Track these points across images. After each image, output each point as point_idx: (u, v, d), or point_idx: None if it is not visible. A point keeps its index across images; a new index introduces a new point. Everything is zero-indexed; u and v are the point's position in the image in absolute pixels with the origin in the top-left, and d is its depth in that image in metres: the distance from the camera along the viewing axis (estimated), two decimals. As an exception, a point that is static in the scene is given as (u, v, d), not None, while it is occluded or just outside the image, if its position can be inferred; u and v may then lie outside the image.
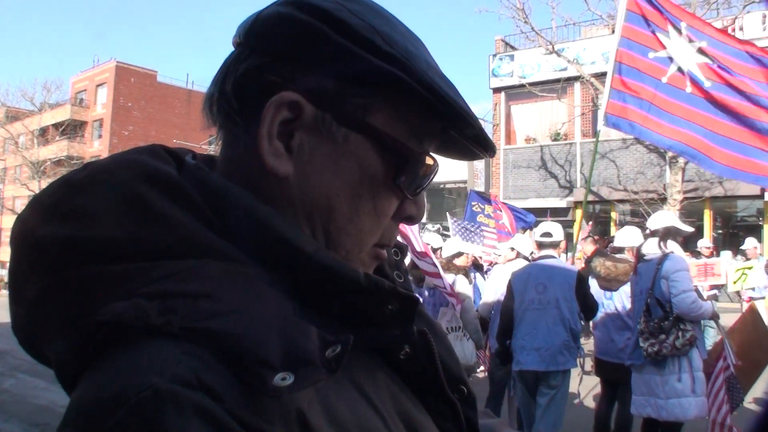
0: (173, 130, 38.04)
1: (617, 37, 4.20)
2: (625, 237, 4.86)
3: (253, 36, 0.56)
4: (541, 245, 4.56)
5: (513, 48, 20.06)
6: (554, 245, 4.49)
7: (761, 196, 15.20)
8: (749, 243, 9.72)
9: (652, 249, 4.08)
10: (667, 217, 4.39)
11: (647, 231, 4.40)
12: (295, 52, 0.54)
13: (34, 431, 5.87)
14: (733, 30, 15.58)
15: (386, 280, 0.55)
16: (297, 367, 0.43)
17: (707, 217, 16.42)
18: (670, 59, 4.08)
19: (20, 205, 38.62)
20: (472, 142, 0.61)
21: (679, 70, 4.05)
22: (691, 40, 4.06)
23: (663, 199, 14.83)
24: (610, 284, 4.58)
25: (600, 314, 4.69)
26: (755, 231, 14.98)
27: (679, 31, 4.04)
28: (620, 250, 4.82)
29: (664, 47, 4.10)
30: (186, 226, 0.50)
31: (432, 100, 0.54)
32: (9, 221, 40.30)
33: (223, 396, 0.40)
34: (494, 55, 20.13)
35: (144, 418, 0.39)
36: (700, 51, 4.03)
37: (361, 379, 0.53)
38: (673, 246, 4.10)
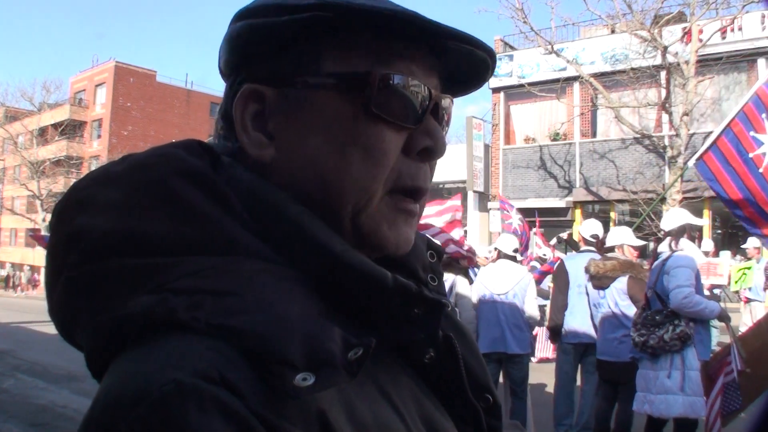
0: (172, 130, 38.03)
1: (738, 111, 5.02)
2: (615, 236, 4.88)
3: (222, 68, 0.62)
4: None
5: (512, 48, 20.07)
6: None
7: (760, 196, 15.20)
8: (750, 242, 9.72)
9: (666, 248, 4.15)
10: (679, 215, 4.51)
11: (661, 233, 4.54)
12: (241, 57, 0.59)
13: (33, 431, 5.86)
14: (732, 30, 15.61)
15: (413, 283, 0.54)
16: (318, 369, 0.43)
17: (706, 217, 16.43)
18: (762, 143, 4.87)
19: (19, 206, 38.65)
20: (440, 38, 0.56)
21: (764, 153, 4.84)
22: None
23: (662, 200, 14.85)
24: (600, 282, 4.60)
25: (597, 315, 4.71)
26: (754, 231, 14.97)
27: None
28: (611, 249, 4.84)
29: (765, 131, 4.89)
30: (218, 222, 0.51)
31: (365, 19, 0.54)
32: (8, 221, 40.31)
33: (245, 393, 0.41)
34: (493, 55, 20.07)
35: (166, 413, 0.39)
36: None
37: (384, 381, 0.53)
38: (685, 244, 4.16)
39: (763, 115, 4.92)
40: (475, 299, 5.20)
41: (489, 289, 5.10)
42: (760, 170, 4.84)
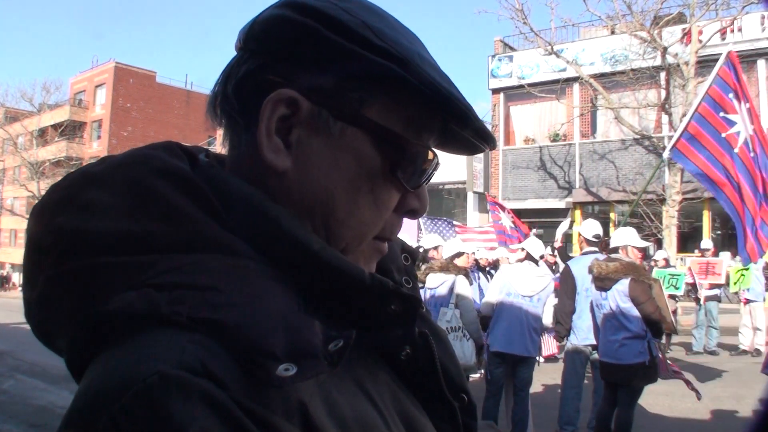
0: (172, 131, 38.03)
1: (704, 95, 5.16)
2: (620, 237, 4.88)
3: (252, 39, 0.58)
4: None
5: (512, 49, 20.08)
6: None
7: (760, 197, 15.21)
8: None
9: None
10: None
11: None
12: (291, 52, 0.56)
13: (32, 432, 5.86)
14: (732, 31, 15.62)
15: (390, 281, 0.56)
16: (299, 359, 0.44)
17: (706, 217, 16.43)
18: (734, 122, 5.04)
19: (19, 206, 38.61)
20: (472, 134, 0.61)
21: (738, 132, 5.01)
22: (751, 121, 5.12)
23: (662, 200, 14.85)
24: (603, 283, 4.60)
25: (598, 316, 4.72)
26: (754, 232, 14.98)
27: (746, 103, 5.17)
28: (615, 250, 4.84)
29: (735, 112, 5.08)
30: (196, 220, 0.51)
31: (427, 93, 0.56)
32: (8, 222, 40.30)
33: (228, 384, 0.41)
34: (493, 56, 20.15)
35: (150, 403, 0.39)
36: (755, 131, 5.09)
37: (362, 377, 0.55)
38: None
39: (730, 95, 5.15)
40: (495, 297, 5.22)
41: (515, 289, 5.11)
42: (735, 150, 5.00)
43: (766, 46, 15.82)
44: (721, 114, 5.06)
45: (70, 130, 38.62)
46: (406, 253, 0.72)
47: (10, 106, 38.88)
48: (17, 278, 39.79)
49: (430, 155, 0.61)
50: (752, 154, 4.99)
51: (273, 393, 0.43)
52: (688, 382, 4.74)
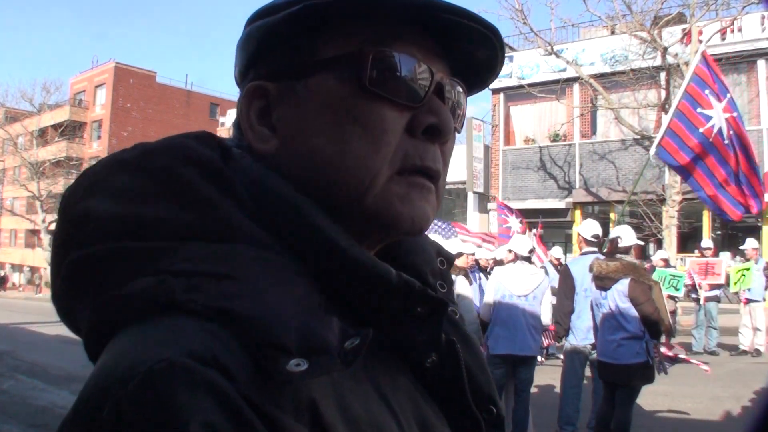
0: (172, 131, 36.54)
1: (682, 92, 5.55)
2: (630, 236, 4.88)
3: (236, 79, 0.64)
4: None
5: (512, 49, 20.07)
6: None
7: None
8: (749, 243, 9.73)
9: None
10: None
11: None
12: (249, 61, 0.61)
13: (32, 432, 5.86)
14: (732, 31, 15.62)
15: (417, 282, 0.54)
16: (312, 355, 0.43)
17: (706, 218, 16.43)
18: (710, 117, 5.41)
19: (19, 206, 38.60)
20: (444, 14, 0.54)
21: (713, 126, 5.40)
22: (726, 110, 5.48)
23: (662, 200, 14.85)
24: (603, 282, 4.60)
25: (597, 315, 4.72)
26: (754, 232, 14.99)
27: (721, 99, 5.47)
28: (627, 249, 4.83)
29: (711, 107, 5.43)
30: (223, 209, 0.51)
31: (352, 4, 0.54)
32: (8, 222, 40.29)
33: (236, 376, 0.41)
34: None
35: (155, 391, 0.39)
36: (727, 121, 5.46)
37: (381, 381, 0.53)
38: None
39: (706, 91, 5.48)
40: (491, 299, 5.22)
41: (509, 290, 5.10)
42: (710, 140, 5.44)
43: (766, 46, 15.81)
44: (699, 110, 5.43)
45: (70, 130, 38.61)
46: (441, 257, 0.70)
47: (10, 106, 38.84)
48: (17, 278, 39.78)
49: (407, 57, 0.56)
50: (726, 142, 5.43)
51: (283, 389, 0.42)
52: (689, 361, 4.79)
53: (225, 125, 31.45)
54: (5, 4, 76.55)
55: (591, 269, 4.71)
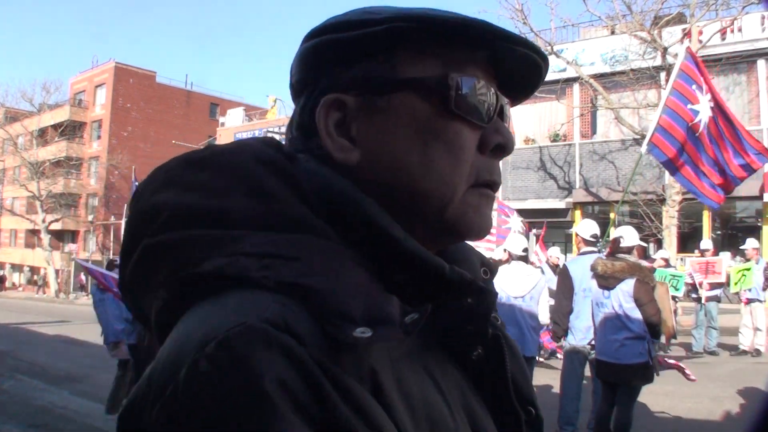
0: (172, 131, 38.04)
1: (670, 89, 5.67)
2: (632, 236, 4.87)
3: (293, 86, 0.67)
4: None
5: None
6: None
7: (760, 197, 15.23)
8: (749, 243, 9.73)
9: None
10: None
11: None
12: (318, 72, 0.63)
13: (32, 432, 5.86)
14: (732, 31, 15.62)
15: (468, 273, 0.58)
16: (375, 324, 0.47)
17: (706, 218, 16.44)
18: (698, 112, 5.57)
19: (19, 206, 38.60)
20: (502, 43, 0.61)
21: (700, 120, 5.58)
22: (710, 100, 5.70)
23: (662, 201, 14.85)
24: (607, 282, 4.59)
25: (599, 314, 4.71)
26: (754, 232, 15.00)
27: (706, 92, 5.67)
28: (629, 250, 4.82)
29: (698, 102, 5.59)
30: (289, 203, 0.55)
31: (428, 28, 0.59)
32: (8, 222, 40.28)
33: (307, 342, 0.44)
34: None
35: (232, 351, 0.42)
36: (712, 108, 5.66)
37: (432, 366, 0.56)
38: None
39: (693, 87, 5.64)
40: None
41: (505, 291, 5.09)
42: (696, 135, 5.61)
43: (766, 46, 15.82)
44: (689, 106, 5.59)
45: (70, 130, 38.62)
46: (485, 267, 0.72)
47: (10, 106, 38.85)
48: (17, 278, 39.79)
49: (483, 84, 0.61)
50: (706, 131, 5.70)
51: (348, 356, 0.46)
52: (681, 368, 4.79)
53: (225, 125, 31.40)
54: (5, 4, 76.51)
55: (594, 268, 4.70)
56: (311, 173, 0.59)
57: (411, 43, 0.60)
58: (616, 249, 4.90)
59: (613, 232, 5.04)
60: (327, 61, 0.62)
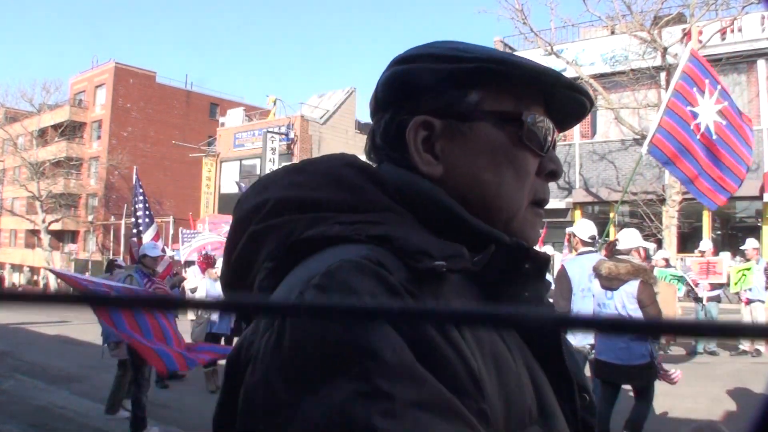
0: (172, 131, 38.03)
1: (671, 90, 5.72)
2: (629, 239, 4.88)
3: (379, 101, 0.78)
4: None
5: (512, 49, 20.07)
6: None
7: (760, 197, 15.23)
8: (749, 244, 9.72)
9: None
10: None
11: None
12: (408, 93, 0.74)
13: (32, 432, 5.86)
14: (732, 31, 15.62)
15: (524, 242, 0.70)
16: (449, 259, 0.59)
17: (706, 218, 16.44)
18: (698, 114, 5.59)
19: (19, 206, 38.59)
20: (566, 88, 0.75)
21: (700, 122, 5.58)
22: (718, 102, 5.68)
23: (662, 201, 14.85)
24: (611, 283, 4.61)
25: (601, 314, 4.70)
26: (754, 232, 15.00)
27: (711, 93, 5.67)
28: (626, 252, 4.83)
29: (697, 104, 5.62)
30: (371, 192, 0.68)
31: (508, 71, 0.71)
32: (8, 222, 40.30)
33: (394, 273, 0.55)
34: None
35: (335, 277, 0.54)
36: (720, 112, 5.64)
37: None
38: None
39: (694, 89, 5.68)
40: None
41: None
42: (698, 136, 5.64)
43: (766, 46, 15.82)
44: (689, 108, 5.63)
45: (70, 130, 38.60)
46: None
47: (10, 106, 38.84)
48: (17, 279, 39.77)
49: (545, 121, 0.74)
50: (714, 137, 5.66)
51: (427, 288, 0.57)
52: (666, 376, 4.82)
53: (225, 125, 31.35)
54: (5, 4, 76.52)
55: (598, 270, 4.71)
56: (395, 174, 0.71)
57: (492, 81, 0.72)
58: (611, 251, 4.92)
59: (619, 234, 5.03)
60: (416, 87, 0.73)
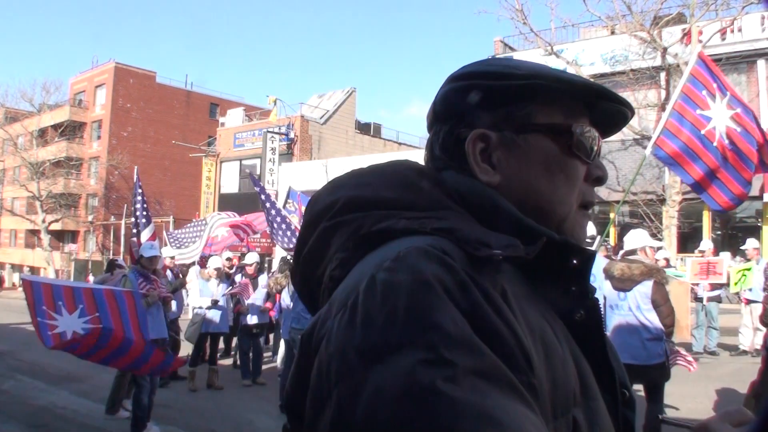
0: (172, 131, 38.03)
1: (678, 93, 5.68)
2: (636, 239, 4.87)
3: (438, 114, 0.84)
4: None
5: (512, 49, 20.07)
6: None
7: (760, 197, 15.22)
8: (749, 244, 9.72)
9: None
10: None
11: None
12: (465, 107, 0.80)
13: (32, 432, 5.86)
14: (732, 31, 15.61)
15: (572, 239, 0.77)
16: (505, 248, 0.65)
17: (706, 218, 16.43)
18: (710, 118, 5.50)
19: (19, 206, 38.59)
20: (604, 101, 0.81)
21: (714, 128, 5.49)
22: (729, 108, 5.59)
23: (662, 201, 14.85)
24: (624, 284, 4.59)
25: (612, 316, 4.69)
26: (754, 232, 15.00)
27: (722, 98, 5.59)
28: (632, 252, 4.81)
29: (709, 108, 5.54)
30: (433, 193, 0.74)
31: (559, 86, 0.78)
32: (8, 222, 40.29)
33: (456, 260, 0.61)
34: (493, 57, 20.13)
35: (404, 261, 0.60)
36: (733, 117, 5.54)
37: (546, 315, 0.70)
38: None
39: (704, 92, 5.58)
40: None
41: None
42: (714, 144, 5.47)
43: (766, 46, 15.81)
44: (698, 112, 5.52)
45: (70, 130, 38.61)
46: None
47: (10, 106, 38.82)
48: (17, 279, 39.76)
49: (592, 131, 0.81)
50: (727, 141, 5.53)
51: (486, 276, 0.62)
52: (685, 360, 4.84)
53: (225, 125, 31.34)
54: (5, 3, 76.51)
55: (610, 271, 4.70)
56: (456, 179, 0.78)
57: (544, 96, 0.78)
58: (626, 253, 4.89)
59: (627, 234, 5.02)
60: (473, 102, 0.79)
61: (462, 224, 0.68)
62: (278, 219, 8.09)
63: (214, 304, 8.01)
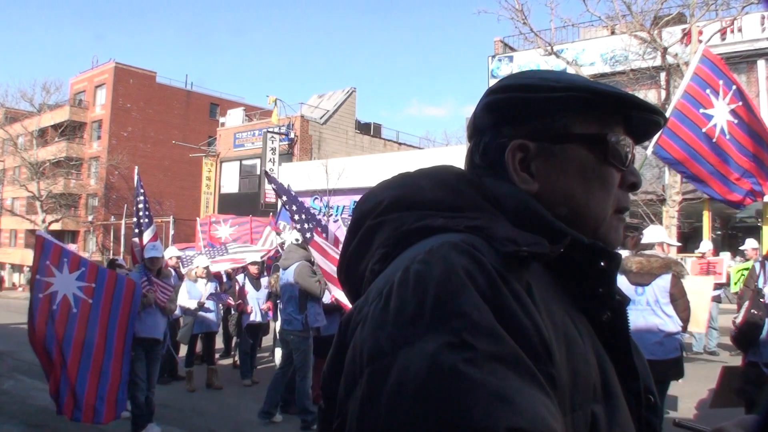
0: (172, 131, 38.02)
1: (681, 92, 5.67)
2: (654, 234, 4.85)
3: (477, 126, 0.89)
4: None
5: (512, 49, 20.07)
6: None
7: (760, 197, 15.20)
8: (749, 244, 9.72)
9: None
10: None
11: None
12: (506, 118, 0.84)
13: (32, 432, 5.85)
14: (732, 31, 15.61)
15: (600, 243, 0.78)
16: (531, 246, 0.68)
17: (706, 218, 16.43)
18: (712, 116, 5.49)
19: (19, 206, 38.57)
20: (643, 109, 0.84)
21: (715, 125, 5.50)
22: (732, 101, 5.57)
23: (662, 201, 14.84)
24: (642, 279, 4.55)
25: (630, 312, 4.66)
26: (754, 232, 14.99)
27: (725, 94, 5.56)
28: (649, 246, 4.79)
29: (712, 106, 5.52)
30: (472, 195, 0.79)
31: (596, 98, 0.81)
32: (8, 222, 40.26)
33: (485, 255, 0.65)
34: (493, 57, 20.14)
35: (436, 254, 0.65)
36: (733, 111, 5.53)
37: (570, 311, 0.73)
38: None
39: (707, 91, 5.55)
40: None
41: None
42: (714, 140, 5.47)
43: (766, 46, 15.81)
44: (701, 110, 5.49)
45: (70, 130, 38.59)
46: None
47: (10, 107, 38.79)
48: (17, 279, 39.76)
49: (626, 139, 0.84)
50: (728, 137, 5.52)
51: (513, 272, 0.65)
52: None
53: (225, 125, 31.33)
54: (5, 3, 76.46)
55: (628, 266, 4.63)
56: (496, 185, 0.81)
57: (580, 107, 0.81)
58: (636, 245, 4.85)
59: (645, 230, 5.01)
60: (512, 113, 0.83)
61: (493, 223, 0.72)
62: (302, 213, 7.07)
63: (200, 307, 7.96)
